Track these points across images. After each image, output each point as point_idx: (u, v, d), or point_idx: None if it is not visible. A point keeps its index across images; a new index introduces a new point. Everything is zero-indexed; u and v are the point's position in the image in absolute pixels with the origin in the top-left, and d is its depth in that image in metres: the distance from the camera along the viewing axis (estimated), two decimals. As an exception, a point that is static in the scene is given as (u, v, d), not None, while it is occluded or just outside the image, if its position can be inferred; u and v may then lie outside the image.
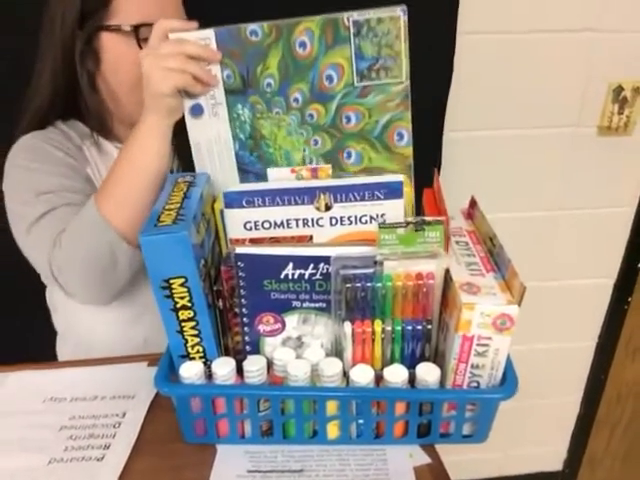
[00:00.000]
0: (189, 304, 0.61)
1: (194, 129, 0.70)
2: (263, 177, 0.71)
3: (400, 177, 0.65)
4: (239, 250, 0.61)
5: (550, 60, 1.17)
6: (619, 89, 1.19)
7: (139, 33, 0.77)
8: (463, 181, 1.08)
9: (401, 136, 0.68)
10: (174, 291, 0.60)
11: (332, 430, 0.65)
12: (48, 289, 0.93)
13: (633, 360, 1.54)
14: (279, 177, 0.68)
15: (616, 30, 1.16)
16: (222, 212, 0.67)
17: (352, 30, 0.64)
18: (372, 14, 0.63)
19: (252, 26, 0.65)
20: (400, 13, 0.63)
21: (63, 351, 0.97)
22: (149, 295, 0.84)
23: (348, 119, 0.68)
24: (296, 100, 0.67)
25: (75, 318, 0.90)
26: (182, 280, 0.59)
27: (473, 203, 0.73)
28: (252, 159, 0.71)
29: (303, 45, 0.65)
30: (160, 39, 0.68)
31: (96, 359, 0.82)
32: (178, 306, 0.61)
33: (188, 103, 0.69)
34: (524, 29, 1.15)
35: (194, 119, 0.70)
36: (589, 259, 1.39)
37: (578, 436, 1.66)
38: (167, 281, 0.59)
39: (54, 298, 0.92)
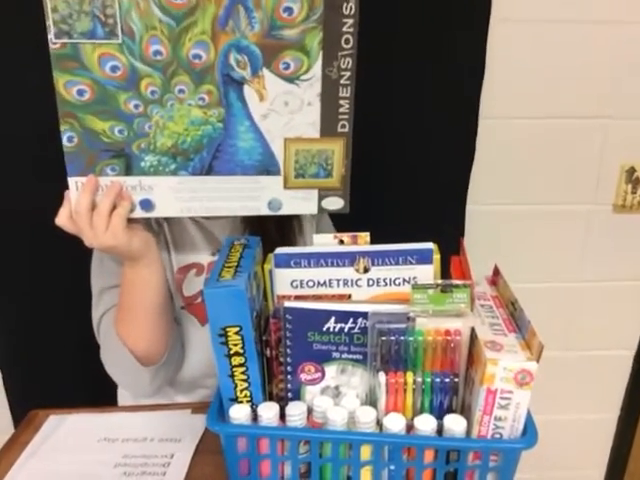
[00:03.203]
0: (241, 351, 0.68)
1: (164, 211, 0.75)
2: (217, 155, 0.73)
3: (430, 245, 0.73)
4: (288, 304, 0.69)
5: (566, 143, 1.27)
6: (631, 170, 1.28)
7: None
8: (486, 251, 1.16)
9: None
10: (229, 339, 0.67)
11: (365, 475, 0.70)
12: None
13: (656, 434, 1.55)
14: (323, 242, 0.77)
15: (627, 117, 1.26)
16: (271, 272, 0.76)
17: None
18: None
19: (64, 139, 0.71)
20: None
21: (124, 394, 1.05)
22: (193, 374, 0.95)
23: (157, 53, 0.69)
24: (136, 106, 0.71)
25: None
26: (237, 329, 0.67)
27: (496, 271, 0.81)
28: (197, 159, 0.73)
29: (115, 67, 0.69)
30: (72, 228, 0.73)
31: (144, 405, 0.90)
32: (232, 352, 0.68)
33: (138, 214, 0.75)
34: (541, 115, 1.25)
35: (155, 210, 0.75)
36: (608, 330, 1.43)
37: (603, 512, 1.64)
38: (224, 329, 0.67)
39: None
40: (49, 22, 0.66)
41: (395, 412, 0.69)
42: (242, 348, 0.68)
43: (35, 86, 1.01)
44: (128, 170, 0.73)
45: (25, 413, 0.89)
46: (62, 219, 0.73)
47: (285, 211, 0.78)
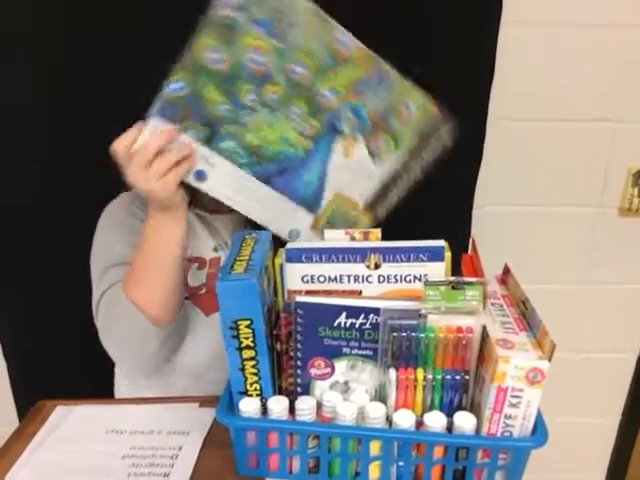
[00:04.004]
0: (252, 344, 0.68)
1: (211, 189, 0.78)
2: (282, 173, 0.78)
3: (442, 242, 0.74)
4: (299, 298, 0.69)
5: (573, 146, 1.27)
6: (638, 174, 1.28)
7: None
8: (491, 252, 1.16)
9: (340, 40, 0.74)
10: (240, 332, 0.67)
11: (374, 471, 0.70)
12: None
13: (658, 439, 1.55)
14: (334, 237, 0.77)
15: (634, 121, 1.26)
16: (281, 266, 0.76)
17: (237, 14, 0.69)
18: None
19: (170, 85, 0.72)
20: None
21: (120, 390, 1.04)
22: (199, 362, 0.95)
23: (294, 71, 0.74)
24: (252, 99, 0.75)
25: None
26: (248, 322, 0.67)
27: (506, 270, 0.81)
28: (266, 166, 0.78)
29: (215, 60, 0.72)
30: (125, 159, 0.74)
31: (152, 398, 0.90)
32: (242, 345, 0.68)
33: (190, 177, 0.77)
34: (549, 117, 1.25)
35: (204, 183, 0.78)
36: (611, 333, 1.43)
37: (602, 516, 1.64)
38: (235, 322, 0.67)
39: None
40: None
41: (405, 408, 0.69)
42: (253, 342, 0.68)
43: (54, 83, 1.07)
44: (206, 141, 0.75)
45: (29, 406, 0.89)
46: (120, 146, 0.73)
47: (297, 241, 0.83)
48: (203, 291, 0.94)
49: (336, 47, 0.73)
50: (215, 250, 0.97)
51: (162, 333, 0.84)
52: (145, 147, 0.72)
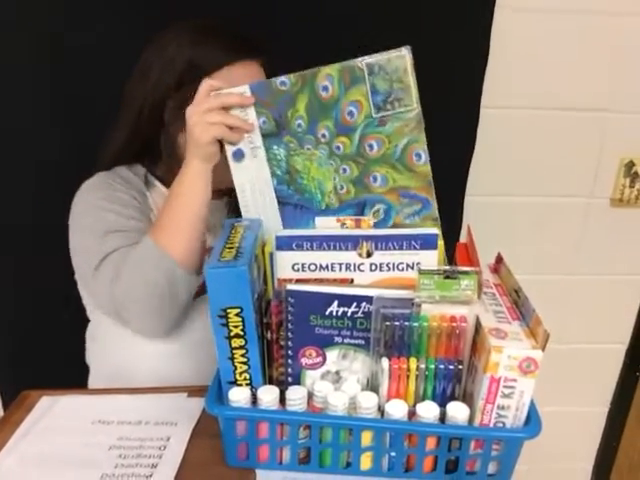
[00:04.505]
0: (242, 333, 0.67)
1: (237, 172, 0.79)
2: (300, 208, 0.79)
3: (435, 230, 0.72)
4: (290, 287, 0.68)
5: (566, 136, 1.27)
6: (630, 164, 1.28)
7: None
8: (481, 242, 1.15)
9: (419, 156, 0.76)
10: (230, 320, 0.66)
11: (365, 461, 0.69)
12: (92, 321, 0.99)
13: (645, 428, 1.56)
14: (326, 225, 0.76)
15: (627, 111, 1.25)
16: (271, 255, 0.74)
17: (366, 71, 0.74)
18: (381, 57, 0.73)
19: (281, 78, 0.75)
20: (405, 52, 0.73)
21: (96, 384, 1.02)
22: (195, 333, 0.92)
23: (371, 147, 0.76)
24: (324, 135, 0.77)
25: (118, 352, 0.94)
26: (238, 310, 0.66)
27: (499, 259, 0.80)
28: (290, 192, 0.79)
29: (325, 89, 0.75)
30: (204, 96, 0.78)
31: (138, 388, 0.87)
32: (232, 334, 0.67)
33: (230, 149, 0.78)
34: (542, 106, 1.25)
35: (236, 163, 0.79)
36: (601, 324, 1.44)
37: (590, 505, 1.66)
38: (224, 310, 0.66)
39: (99, 330, 0.98)
40: None
41: (397, 398, 0.68)
42: (242, 330, 0.67)
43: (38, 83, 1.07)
44: (265, 135, 0.78)
45: (14, 396, 0.87)
46: (208, 84, 0.78)
47: None
48: None
49: (412, 156, 0.76)
50: None
51: (190, 281, 0.83)
52: (222, 97, 0.77)
